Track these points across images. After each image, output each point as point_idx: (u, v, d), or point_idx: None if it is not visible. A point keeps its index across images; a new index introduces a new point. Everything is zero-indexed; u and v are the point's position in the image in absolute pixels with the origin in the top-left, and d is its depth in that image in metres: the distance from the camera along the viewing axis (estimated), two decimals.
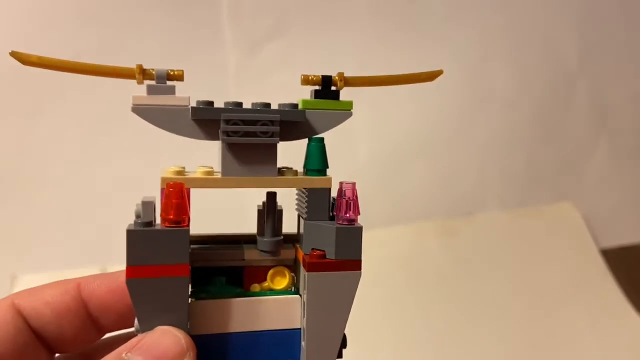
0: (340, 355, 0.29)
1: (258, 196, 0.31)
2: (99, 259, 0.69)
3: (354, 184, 0.28)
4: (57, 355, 0.29)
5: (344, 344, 0.29)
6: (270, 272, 0.30)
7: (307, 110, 0.29)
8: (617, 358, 0.75)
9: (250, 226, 0.33)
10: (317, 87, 0.29)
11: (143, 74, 0.27)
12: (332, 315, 0.28)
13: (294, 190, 0.31)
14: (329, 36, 0.79)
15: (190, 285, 0.30)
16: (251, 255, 0.30)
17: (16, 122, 0.69)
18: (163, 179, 0.27)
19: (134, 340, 0.25)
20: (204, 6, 0.74)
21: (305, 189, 0.29)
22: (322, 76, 0.29)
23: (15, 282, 0.68)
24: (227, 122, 0.27)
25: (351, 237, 0.27)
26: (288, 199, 0.32)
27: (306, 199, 0.28)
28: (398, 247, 0.82)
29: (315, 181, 0.28)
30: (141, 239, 0.25)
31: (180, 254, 0.26)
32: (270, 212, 0.29)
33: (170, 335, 0.26)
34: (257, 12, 0.76)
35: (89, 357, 0.27)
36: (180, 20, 0.73)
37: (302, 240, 0.29)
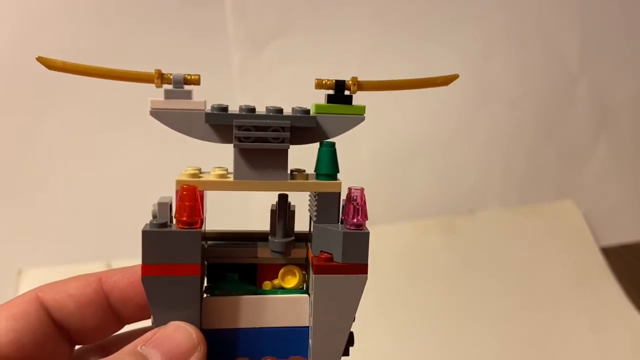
0: (347, 352, 0.30)
1: (273, 195, 0.32)
2: (104, 254, 0.71)
3: (362, 189, 0.29)
4: (77, 347, 0.30)
5: (351, 342, 0.30)
6: (282, 270, 0.31)
7: (319, 115, 0.29)
8: (617, 356, 0.74)
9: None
10: (330, 92, 0.30)
11: (161, 78, 0.28)
12: (338, 316, 0.29)
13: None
14: (332, 34, 0.79)
15: (205, 280, 0.31)
16: (264, 253, 0.31)
17: (23, 117, 0.71)
18: (177, 182, 0.28)
19: (148, 334, 0.27)
20: (208, 3, 0.74)
21: (315, 192, 0.29)
22: (336, 81, 0.30)
23: (21, 276, 0.71)
24: (239, 127, 0.27)
25: (358, 241, 0.28)
26: (302, 199, 0.33)
27: (316, 202, 0.29)
28: (399, 244, 0.82)
29: (325, 185, 0.29)
30: (156, 239, 0.27)
31: (193, 254, 0.27)
32: (281, 213, 0.30)
33: (183, 330, 0.27)
34: (261, 9, 0.76)
35: (106, 350, 0.28)
36: (184, 18, 0.73)
37: (312, 242, 0.30)
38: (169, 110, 0.28)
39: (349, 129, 0.30)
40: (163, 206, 0.28)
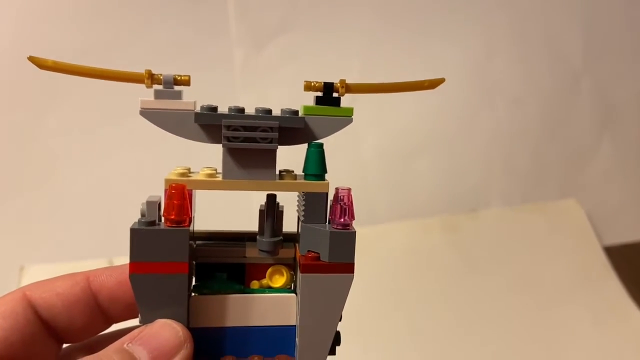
0: (333, 352, 0.30)
1: (263, 195, 0.32)
2: (106, 251, 0.71)
3: (349, 189, 0.29)
4: (64, 345, 0.30)
5: (337, 342, 0.31)
6: (269, 270, 0.31)
7: (307, 116, 0.30)
8: (619, 355, 0.75)
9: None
10: (319, 94, 0.30)
11: (151, 79, 0.29)
12: (324, 315, 0.29)
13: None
14: (334, 31, 0.79)
15: (194, 279, 0.32)
16: (252, 253, 0.31)
17: (24, 115, 0.72)
18: (166, 180, 0.28)
19: (135, 332, 0.27)
20: (210, 1, 0.74)
21: (303, 192, 0.30)
22: (324, 83, 0.30)
23: (23, 272, 0.71)
24: (228, 127, 0.28)
25: (345, 241, 0.28)
26: (291, 199, 0.34)
27: (304, 202, 0.29)
28: (402, 242, 0.82)
29: (312, 186, 0.29)
30: (144, 237, 0.27)
31: (180, 252, 0.27)
32: (269, 213, 0.30)
33: (169, 327, 0.27)
34: (263, 7, 0.77)
35: (93, 348, 0.29)
36: (186, 16, 0.74)
37: (299, 242, 0.30)
38: (159, 110, 0.28)
39: (337, 131, 0.30)
40: (152, 205, 0.28)
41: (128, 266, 0.28)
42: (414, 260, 0.81)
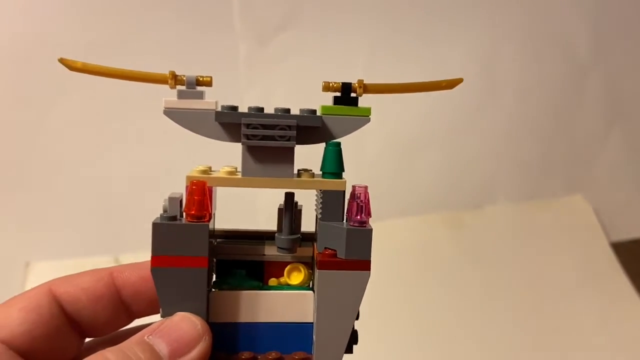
0: (350, 350, 0.30)
1: (272, 195, 0.32)
2: (111, 248, 0.73)
3: (366, 187, 0.29)
4: (87, 339, 0.31)
5: (354, 340, 0.31)
6: (288, 267, 0.32)
7: (325, 116, 0.30)
8: (626, 351, 0.73)
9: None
10: (337, 94, 0.31)
11: (175, 79, 0.30)
12: (341, 312, 0.29)
13: (315, 191, 0.33)
14: (338, 27, 0.79)
15: (214, 275, 0.32)
16: (270, 251, 0.32)
17: (30, 111, 0.73)
18: (188, 177, 0.29)
19: (155, 324, 0.28)
20: None
21: (320, 190, 0.30)
22: (342, 83, 0.31)
23: (29, 268, 0.72)
24: (248, 126, 0.29)
25: (361, 238, 0.29)
26: (310, 201, 0.34)
27: (321, 200, 0.30)
28: (407, 238, 0.82)
29: (330, 184, 0.30)
30: (165, 232, 0.28)
31: (200, 247, 0.28)
32: (287, 211, 0.31)
33: (188, 320, 0.28)
34: (267, 2, 0.77)
35: (115, 342, 0.29)
36: (191, 10, 0.75)
37: (317, 239, 0.30)
38: (181, 110, 0.29)
39: (354, 130, 0.31)
40: (173, 201, 0.29)
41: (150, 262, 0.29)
42: (419, 257, 0.81)
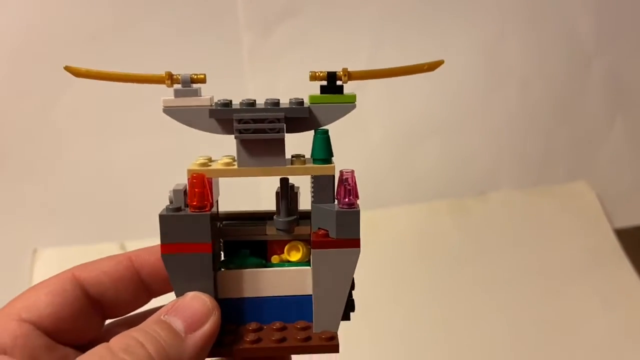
0: (347, 317, 0.33)
1: (273, 180, 0.35)
2: (117, 235, 0.75)
3: (352, 171, 0.32)
4: (107, 321, 0.35)
5: (352, 308, 0.34)
6: (287, 246, 0.34)
7: (313, 105, 0.32)
8: (629, 337, 0.75)
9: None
10: (323, 83, 0.33)
11: (171, 79, 0.32)
12: (335, 285, 0.32)
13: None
14: (343, 15, 0.79)
15: (222, 255, 0.35)
16: (272, 231, 0.35)
17: (37, 98, 0.75)
18: (188, 171, 0.32)
19: (169, 304, 0.31)
20: None
21: (312, 175, 0.32)
22: (328, 72, 0.32)
23: (36, 255, 0.75)
24: (239, 121, 0.31)
25: (350, 219, 0.31)
26: (307, 181, 0.36)
27: (313, 184, 0.32)
28: (411, 225, 0.83)
29: (319, 169, 0.32)
30: (171, 222, 0.31)
31: (203, 234, 0.31)
32: (283, 195, 0.33)
33: (199, 299, 0.31)
34: None
35: (132, 323, 0.33)
36: (194, 1, 0.75)
37: (311, 220, 0.33)
38: (178, 108, 0.32)
39: (342, 116, 0.33)
40: (177, 192, 0.32)
41: None
42: (422, 244, 0.83)
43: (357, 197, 0.32)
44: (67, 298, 0.31)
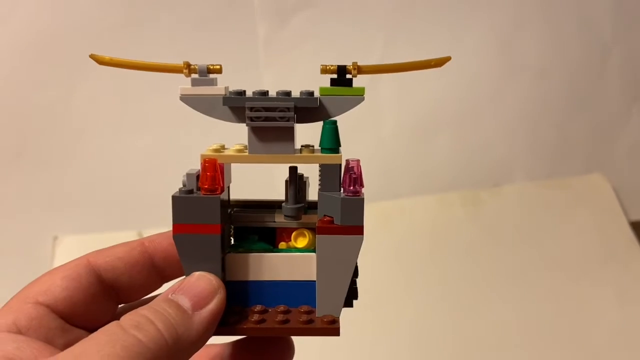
0: (350, 304, 0.34)
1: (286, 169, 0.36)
2: (135, 223, 0.77)
3: (358, 160, 0.33)
4: (120, 306, 0.36)
5: (354, 296, 0.35)
6: (294, 233, 0.36)
7: (322, 96, 0.33)
8: None
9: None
10: (333, 76, 0.34)
11: (189, 69, 0.34)
12: (338, 271, 0.33)
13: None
14: (357, 5, 0.80)
15: (232, 240, 0.37)
16: (280, 218, 0.36)
17: (57, 88, 0.77)
18: (201, 155, 0.33)
19: (176, 284, 0.32)
20: None
21: (320, 164, 0.34)
22: (338, 66, 0.34)
23: (57, 242, 0.77)
24: (251, 109, 0.32)
25: (354, 206, 0.32)
26: (316, 172, 0.38)
27: (320, 173, 0.34)
28: (423, 217, 0.83)
29: (327, 158, 0.33)
30: (183, 203, 0.32)
31: (213, 215, 0.32)
32: (292, 183, 0.35)
33: (204, 278, 0.32)
34: None
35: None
36: None
37: (317, 208, 0.34)
38: (194, 96, 0.33)
39: (350, 108, 0.34)
40: (190, 176, 0.33)
41: None
42: (435, 235, 0.83)
43: (362, 185, 0.33)
44: (81, 283, 0.32)
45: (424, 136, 0.86)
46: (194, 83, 0.34)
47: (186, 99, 0.34)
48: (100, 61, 0.34)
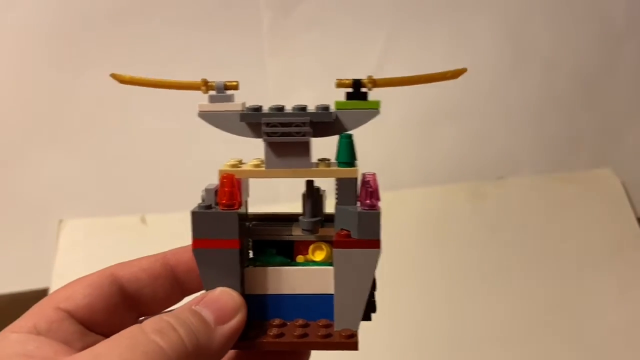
0: (368, 317, 0.34)
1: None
2: (138, 208, 0.78)
3: (374, 174, 0.33)
4: (141, 318, 0.37)
5: (373, 309, 0.35)
6: (311, 246, 0.36)
7: (338, 110, 0.34)
8: None
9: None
10: (349, 90, 0.34)
11: (206, 86, 0.34)
12: (356, 284, 0.33)
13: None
14: None
15: (251, 253, 0.37)
16: (297, 231, 0.36)
17: (65, 72, 0.78)
18: (219, 171, 0.34)
19: (199, 296, 0.33)
20: None
21: (336, 178, 0.34)
22: (353, 80, 0.34)
23: (62, 225, 0.78)
24: (267, 125, 0.33)
25: (371, 220, 0.32)
26: (333, 184, 0.38)
27: (337, 186, 0.34)
28: (427, 207, 0.82)
29: (343, 172, 0.33)
30: (202, 219, 0.33)
31: (232, 230, 0.33)
32: (309, 196, 0.35)
33: (228, 294, 0.33)
34: None
35: None
36: None
37: (334, 221, 0.34)
38: (212, 112, 0.34)
39: (366, 122, 0.34)
40: (209, 192, 0.34)
41: None
42: (437, 227, 0.82)
43: (378, 199, 0.33)
44: (103, 291, 0.33)
45: (427, 127, 0.84)
46: (212, 100, 0.34)
47: (204, 115, 0.34)
48: (121, 80, 0.35)
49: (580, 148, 0.90)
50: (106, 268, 0.35)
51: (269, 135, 0.33)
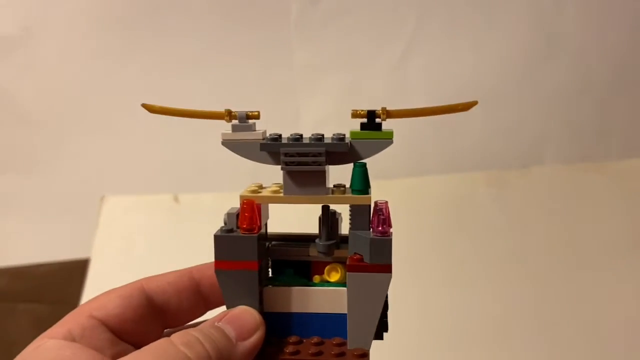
0: (380, 337, 0.36)
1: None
2: (172, 187, 0.84)
3: (386, 202, 0.35)
4: (165, 330, 0.39)
5: (385, 329, 0.36)
6: (327, 267, 0.38)
7: (353, 140, 0.35)
8: None
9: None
10: (363, 120, 0.36)
11: (230, 115, 0.36)
12: (368, 306, 0.35)
13: None
14: None
15: (270, 272, 0.39)
16: (314, 252, 0.38)
17: (112, 60, 0.84)
18: (240, 197, 0.36)
19: (221, 313, 0.35)
20: None
21: (350, 204, 0.36)
22: (368, 111, 0.36)
23: (103, 201, 0.84)
24: (285, 154, 0.35)
25: (382, 246, 0.34)
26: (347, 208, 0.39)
27: (351, 212, 0.36)
28: (448, 195, 0.83)
29: (357, 199, 0.35)
30: (223, 242, 0.35)
31: (251, 253, 0.35)
32: (325, 220, 0.37)
33: (248, 313, 0.35)
34: None
35: None
36: None
37: (349, 245, 0.36)
38: (235, 141, 0.36)
39: (379, 151, 0.36)
40: (231, 216, 0.36)
41: None
42: (459, 213, 0.82)
43: (390, 226, 0.34)
44: (132, 302, 0.36)
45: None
46: (234, 129, 0.36)
47: (227, 143, 0.36)
48: (151, 110, 0.37)
49: (611, 138, 0.89)
50: (136, 281, 0.38)
51: (287, 164, 0.35)
